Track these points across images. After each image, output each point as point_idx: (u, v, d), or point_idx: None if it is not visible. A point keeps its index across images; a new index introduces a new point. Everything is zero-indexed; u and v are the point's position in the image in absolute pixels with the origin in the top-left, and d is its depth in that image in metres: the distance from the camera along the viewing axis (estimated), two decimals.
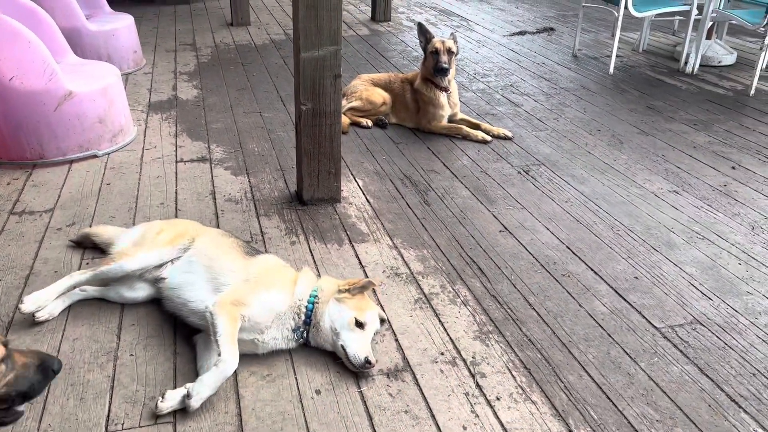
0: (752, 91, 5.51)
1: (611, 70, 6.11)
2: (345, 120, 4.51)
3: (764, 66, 5.96)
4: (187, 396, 2.09)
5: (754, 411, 2.18)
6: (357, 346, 2.30)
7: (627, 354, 2.44)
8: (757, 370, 2.37)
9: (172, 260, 2.60)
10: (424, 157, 4.22)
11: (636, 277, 2.92)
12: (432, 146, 4.39)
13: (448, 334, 2.53)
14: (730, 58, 6.38)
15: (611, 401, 2.21)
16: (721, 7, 6.10)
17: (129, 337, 2.47)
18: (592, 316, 2.65)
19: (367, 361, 2.26)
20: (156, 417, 2.09)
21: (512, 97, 5.43)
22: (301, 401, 2.19)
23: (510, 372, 2.34)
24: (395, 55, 6.71)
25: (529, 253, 3.11)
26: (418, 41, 4.61)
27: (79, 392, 2.19)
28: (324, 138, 3.44)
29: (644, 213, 3.51)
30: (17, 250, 3.02)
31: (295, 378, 2.29)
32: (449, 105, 4.58)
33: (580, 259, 3.06)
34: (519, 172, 3.99)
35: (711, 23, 6.20)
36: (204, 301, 2.36)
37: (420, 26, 4.53)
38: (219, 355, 2.14)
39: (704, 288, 2.85)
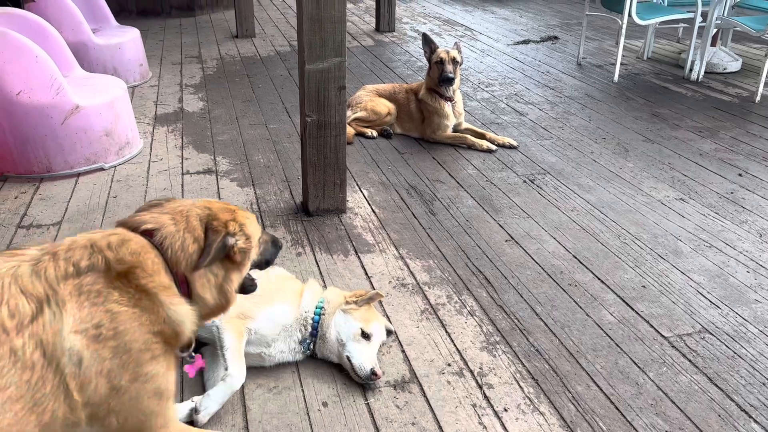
0: (758, 98, 5.50)
1: (616, 78, 6.12)
2: (350, 130, 4.52)
3: None
4: (195, 411, 2.09)
5: (764, 421, 2.16)
6: (363, 357, 2.29)
7: (635, 364, 2.42)
8: (767, 379, 2.35)
9: None
10: (429, 166, 4.22)
11: (643, 286, 2.91)
12: (437, 156, 4.40)
13: (455, 345, 2.53)
14: (735, 65, 6.38)
15: (620, 412, 2.19)
16: (725, 14, 6.10)
17: None
18: (599, 326, 2.64)
19: (373, 373, 2.25)
20: None
21: (517, 106, 5.44)
22: (308, 413, 2.18)
23: (517, 383, 2.33)
24: (400, 66, 6.74)
25: (536, 262, 3.10)
26: (422, 51, 4.63)
27: None
28: (329, 149, 3.45)
29: (651, 221, 3.50)
30: None
31: (302, 390, 2.29)
32: (454, 114, 4.59)
33: (586, 268, 3.05)
34: (524, 181, 3.99)
35: (715, 30, 6.20)
36: None
37: (425, 36, 4.55)
38: (226, 369, 2.14)
39: (712, 296, 2.84)
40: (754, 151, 4.46)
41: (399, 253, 3.17)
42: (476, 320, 2.67)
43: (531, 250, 3.20)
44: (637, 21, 5.92)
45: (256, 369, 2.33)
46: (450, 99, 4.54)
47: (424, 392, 2.28)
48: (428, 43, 4.52)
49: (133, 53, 5.92)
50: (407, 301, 2.80)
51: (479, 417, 2.17)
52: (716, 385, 2.32)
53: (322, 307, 2.42)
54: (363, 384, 2.30)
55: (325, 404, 2.22)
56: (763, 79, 5.46)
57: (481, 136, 4.58)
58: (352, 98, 4.82)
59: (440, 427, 2.13)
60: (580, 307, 2.76)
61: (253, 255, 1.80)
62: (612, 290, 2.88)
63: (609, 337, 2.57)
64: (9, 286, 1.28)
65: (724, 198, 3.78)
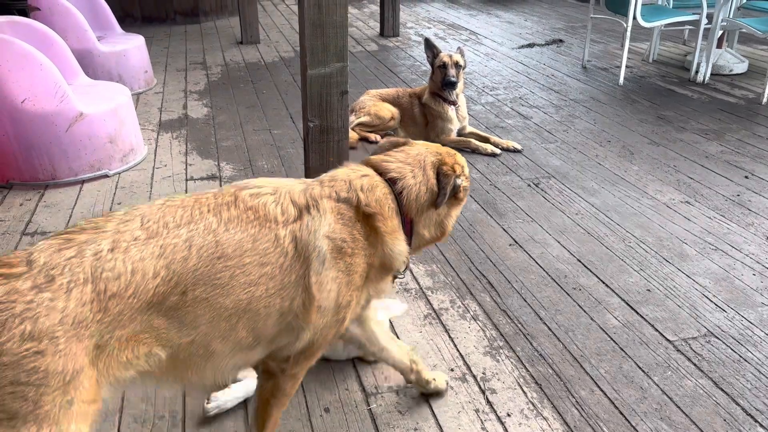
0: (764, 99, 5.46)
1: (621, 80, 6.10)
2: (353, 135, 4.52)
3: None
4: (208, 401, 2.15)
5: None
6: None
7: (640, 368, 2.40)
8: None
9: None
10: None
11: (648, 290, 2.89)
12: None
13: (458, 350, 2.51)
14: (741, 67, 6.34)
15: (624, 416, 2.17)
16: (730, 16, 6.07)
17: None
18: (604, 330, 2.62)
19: None
20: None
21: (521, 110, 5.43)
22: (309, 419, 2.17)
23: (521, 388, 2.32)
24: (404, 70, 6.74)
25: (540, 266, 3.08)
26: (426, 56, 4.63)
27: None
28: (332, 154, 3.44)
29: (656, 224, 3.48)
30: None
31: (304, 396, 2.28)
32: (458, 118, 4.59)
33: (591, 272, 3.03)
34: (529, 185, 3.97)
35: (721, 32, 6.17)
36: None
37: (427, 41, 4.55)
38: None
39: (718, 300, 2.81)
40: (760, 153, 4.43)
41: None
42: (479, 325, 2.65)
43: (535, 254, 3.18)
44: (642, 23, 5.90)
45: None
46: (453, 103, 4.54)
47: (426, 397, 2.27)
48: (431, 48, 4.52)
49: (137, 60, 5.95)
50: (410, 305, 2.78)
51: (482, 422, 2.16)
52: (722, 389, 2.29)
53: None
54: (365, 390, 2.29)
55: (327, 410, 2.22)
56: None
57: (485, 140, 4.57)
58: (355, 103, 4.82)
59: None
60: (585, 311, 2.74)
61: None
62: (617, 294, 2.86)
63: (613, 341, 2.55)
64: (284, 195, 1.62)
65: (731, 200, 3.75)
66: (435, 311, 2.75)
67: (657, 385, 2.31)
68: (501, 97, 5.80)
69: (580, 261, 3.13)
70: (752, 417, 2.17)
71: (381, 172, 1.81)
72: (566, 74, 6.52)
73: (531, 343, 2.55)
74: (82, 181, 4.01)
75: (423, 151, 1.89)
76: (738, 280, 2.95)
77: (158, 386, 1.61)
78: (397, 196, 1.78)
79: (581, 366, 2.42)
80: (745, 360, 2.44)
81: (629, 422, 2.15)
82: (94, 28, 5.90)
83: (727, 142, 4.64)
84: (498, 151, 4.45)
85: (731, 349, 2.50)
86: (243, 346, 1.57)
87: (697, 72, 6.12)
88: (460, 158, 1.97)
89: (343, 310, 1.67)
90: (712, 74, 6.16)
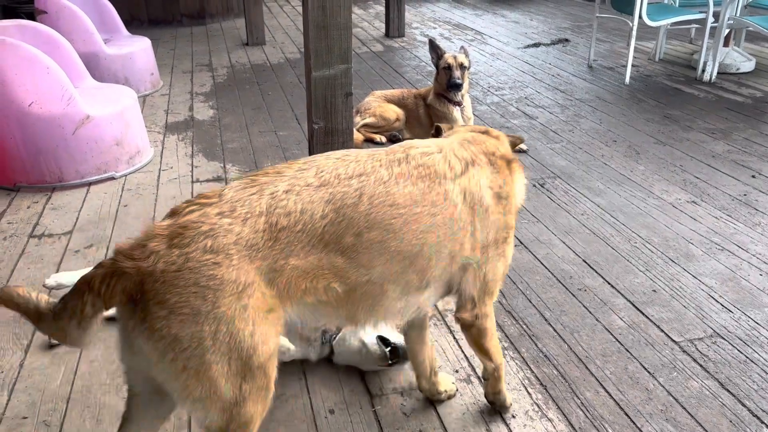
0: None
1: (627, 80, 6.07)
2: (359, 136, 4.53)
3: None
4: None
5: None
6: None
7: (645, 369, 2.40)
8: None
9: None
10: None
11: (654, 290, 2.88)
12: None
13: (462, 351, 2.51)
14: (748, 65, 6.31)
15: (629, 418, 2.17)
16: (737, 14, 6.04)
17: None
18: (609, 331, 2.61)
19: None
20: None
21: (527, 110, 5.42)
22: (314, 421, 2.18)
23: (526, 389, 2.31)
24: (409, 71, 6.74)
25: (545, 267, 3.08)
26: (430, 57, 4.62)
27: (95, 414, 2.21)
28: None
29: (662, 224, 3.47)
30: (36, 272, 3.07)
31: (309, 397, 2.28)
32: (463, 119, 4.58)
33: (596, 272, 3.03)
34: (534, 185, 3.97)
35: (728, 30, 6.14)
36: None
37: (431, 42, 4.55)
38: None
39: (724, 300, 2.80)
40: (767, 153, 4.41)
41: None
42: None
43: (540, 255, 3.18)
44: (648, 22, 5.88)
45: None
46: (459, 103, 4.53)
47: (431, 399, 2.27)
48: (435, 49, 4.52)
49: (144, 63, 5.98)
50: None
51: (487, 424, 2.16)
52: (728, 391, 2.28)
53: None
54: (370, 391, 2.29)
55: (332, 411, 2.22)
56: None
57: None
58: (360, 104, 4.82)
59: None
60: (590, 312, 2.74)
61: None
62: (622, 295, 2.85)
63: (619, 342, 2.55)
64: (449, 153, 1.80)
65: (737, 200, 3.73)
66: (440, 312, 2.75)
67: (662, 386, 2.31)
68: (506, 97, 5.80)
69: (585, 261, 3.12)
70: (758, 418, 2.16)
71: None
72: (572, 74, 6.51)
73: (536, 344, 2.54)
74: (89, 184, 4.03)
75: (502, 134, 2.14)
76: (745, 281, 2.94)
77: (332, 319, 1.76)
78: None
79: (586, 367, 2.41)
80: (752, 361, 2.43)
81: (634, 423, 2.14)
82: (101, 31, 5.93)
83: (734, 142, 4.62)
84: None
85: (737, 350, 2.49)
86: (412, 288, 1.74)
87: (703, 71, 6.09)
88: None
89: (502, 246, 1.89)
90: (718, 73, 6.13)
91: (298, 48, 7.83)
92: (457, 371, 2.40)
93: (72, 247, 3.29)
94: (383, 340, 2.30)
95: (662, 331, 2.61)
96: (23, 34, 4.18)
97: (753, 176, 4.04)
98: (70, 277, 2.64)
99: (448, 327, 2.65)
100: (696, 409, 2.20)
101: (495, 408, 2.20)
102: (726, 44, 6.33)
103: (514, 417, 2.19)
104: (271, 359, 1.56)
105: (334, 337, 2.40)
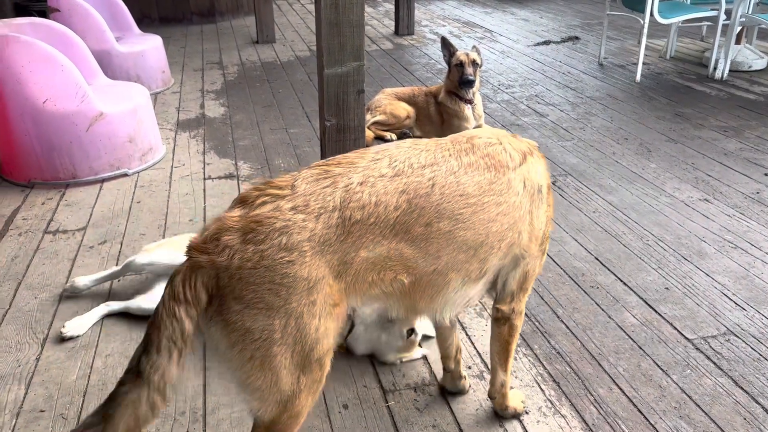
0: None
1: (638, 77, 6.05)
2: (369, 134, 4.53)
3: None
4: None
5: None
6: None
7: (658, 366, 2.40)
8: None
9: None
10: None
11: (667, 288, 2.88)
12: None
13: (475, 348, 2.52)
14: (760, 63, 6.27)
15: (643, 415, 2.17)
16: (749, 12, 6.01)
17: None
18: (622, 328, 2.61)
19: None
20: (186, 431, 2.12)
21: (537, 108, 5.41)
22: (328, 416, 2.19)
23: (539, 385, 2.32)
24: (419, 69, 6.74)
25: (557, 264, 3.08)
26: (441, 54, 4.63)
27: None
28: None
29: (674, 222, 3.46)
30: (51, 268, 3.10)
31: (322, 393, 2.29)
32: (474, 117, 4.58)
33: (609, 270, 3.03)
34: None
35: (740, 28, 6.10)
36: None
37: (443, 40, 4.55)
38: None
39: (737, 298, 2.79)
40: None
41: None
42: None
43: (552, 252, 3.18)
44: (659, 20, 5.85)
45: None
46: (470, 101, 4.53)
47: (444, 394, 2.28)
48: (447, 47, 4.52)
49: (155, 60, 6.01)
50: None
51: (500, 420, 2.17)
52: (741, 388, 2.28)
53: None
54: (383, 386, 2.30)
55: (345, 406, 2.23)
56: None
57: None
58: (371, 102, 4.83)
59: (461, 430, 2.13)
60: (602, 309, 2.74)
61: None
62: (635, 292, 2.85)
63: (632, 339, 2.55)
64: (507, 144, 1.82)
65: (750, 198, 3.72)
66: None
67: (676, 384, 2.31)
68: (517, 94, 5.79)
69: (597, 259, 3.12)
70: None
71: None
72: (582, 71, 6.49)
73: (549, 341, 2.55)
74: (102, 180, 4.06)
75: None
76: (758, 279, 2.93)
77: (393, 310, 1.76)
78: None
79: (599, 364, 2.41)
80: (765, 358, 2.42)
81: (648, 420, 2.14)
82: (113, 29, 5.97)
83: (746, 139, 4.60)
84: None
85: (751, 348, 2.48)
86: (472, 278, 1.77)
87: (715, 68, 6.06)
88: None
89: (546, 241, 1.92)
90: (730, 71, 6.10)
91: (308, 46, 7.85)
92: (469, 367, 2.41)
93: (86, 243, 3.32)
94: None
95: (675, 328, 2.61)
96: (37, 32, 4.21)
97: (766, 174, 4.02)
98: (87, 320, 2.67)
99: (461, 323, 2.65)
100: (710, 407, 2.20)
101: (507, 417, 2.19)
102: (738, 42, 6.29)
103: (527, 413, 2.19)
104: (329, 353, 1.58)
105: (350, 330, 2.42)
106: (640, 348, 2.50)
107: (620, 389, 2.29)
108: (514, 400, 2.18)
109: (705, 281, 2.92)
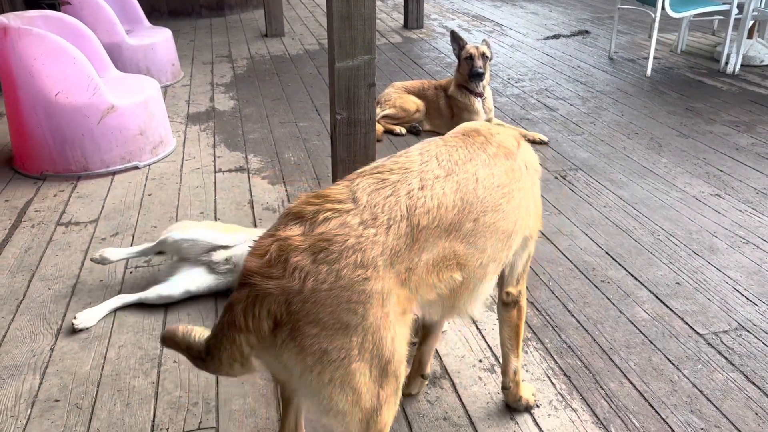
0: None
1: (649, 72, 6.02)
2: (378, 128, 4.54)
3: None
4: None
5: None
6: None
7: (669, 361, 2.39)
8: None
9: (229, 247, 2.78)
10: None
11: (678, 283, 2.87)
12: None
13: (485, 341, 2.53)
14: None
15: (654, 409, 2.17)
16: (762, 6, 5.96)
17: None
18: (632, 323, 2.61)
19: None
20: (199, 423, 2.14)
21: (547, 102, 5.39)
22: None
23: (549, 379, 2.32)
24: (428, 62, 6.73)
25: (568, 259, 3.08)
26: (450, 48, 4.62)
27: (125, 398, 2.25)
28: (359, 146, 3.46)
29: (685, 217, 3.45)
30: (64, 259, 3.12)
31: None
32: (484, 110, 4.58)
33: (619, 264, 3.02)
34: (556, 177, 3.96)
35: (752, 22, 6.06)
36: None
37: (453, 33, 4.54)
38: None
39: (749, 293, 2.79)
40: None
41: None
42: None
43: (563, 247, 3.18)
44: (671, 13, 5.82)
45: None
46: (480, 95, 4.53)
47: (455, 388, 2.29)
48: (456, 40, 4.51)
49: (165, 53, 6.02)
50: None
51: (511, 413, 2.17)
52: (753, 383, 2.28)
53: None
54: None
55: None
56: None
57: None
58: (380, 95, 4.83)
59: (472, 423, 2.13)
60: (613, 304, 2.73)
61: None
62: (645, 287, 2.85)
63: (642, 334, 2.55)
64: (504, 132, 1.87)
65: (762, 194, 3.70)
66: None
67: (687, 378, 2.31)
68: (527, 88, 5.77)
69: (608, 254, 3.11)
70: None
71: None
72: (593, 65, 6.46)
73: (559, 335, 2.55)
74: (113, 173, 4.08)
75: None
76: None
77: (435, 313, 1.75)
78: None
79: (610, 358, 2.42)
80: None
81: (659, 415, 2.15)
82: (123, 22, 5.98)
83: (758, 135, 4.57)
84: None
85: (763, 343, 2.48)
86: (498, 266, 1.79)
87: (727, 63, 6.02)
88: None
89: (540, 221, 1.96)
90: (742, 65, 6.06)
91: (317, 39, 7.84)
92: (480, 361, 2.42)
93: (98, 235, 3.34)
94: None
95: (686, 323, 2.60)
96: (49, 24, 4.22)
97: None
98: (98, 312, 2.68)
99: (471, 318, 2.65)
100: (721, 402, 2.20)
101: (520, 410, 2.20)
102: (750, 36, 6.25)
103: (538, 406, 2.20)
104: (403, 362, 1.55)
105: None
106: (651, 343, 2.50)
107: (631, 383, 2.29)
108: (526, 391, 2.19)
109: (716, 276, 2.91)
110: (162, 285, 2.75)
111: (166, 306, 2.73)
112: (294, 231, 1.43)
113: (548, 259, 3.07)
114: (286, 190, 3.84)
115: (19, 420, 2.17)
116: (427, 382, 2.28)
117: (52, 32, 3.89)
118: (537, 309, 2.71)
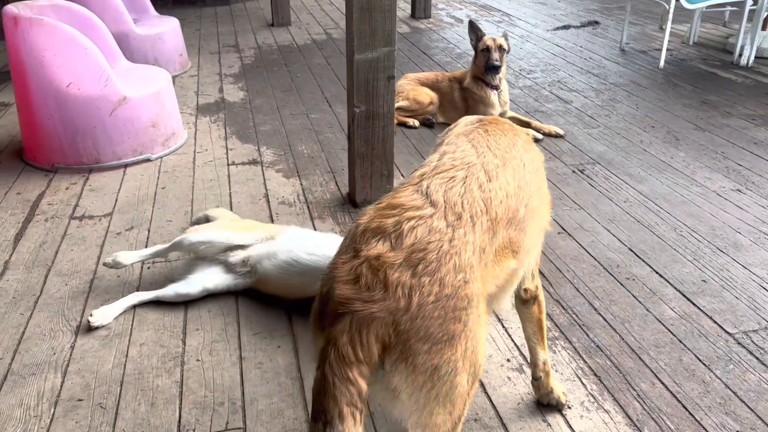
0: None
1: (662, 63, 5.96)
2: None
3: None
4: None
5: None
6: None
7: (700, 361, 2.36)
8: None
9: (246, 247, 2.73)
10: None
11: (704, 281, 2.83)
12: None
13: (512, 340, 2.49)
14: None
15: (687, 410, 2.14)
16: None
17: (194, 341, 2.48)
18: (660, 321, 2.58)
19: None
20: (226, 423, 2.10)
21: (560, 94, 5.34)
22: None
23: (580, 380, 2.29)
24: (438, 53, 6.66)
25: (591, 255, 3.04)
26: (460, 38, 4.57)
27: (149, 398, 2.22)
28: (377, 140, 3.42)
29: (707, 213, 3.41)
30: (80, 254, 3.07)
31: None
32: (499, 103, 4.52)
33: (643, 261, 2.98)
34: (573, 171, 3.91)
35: (766, 14, 5.99)
36: None
37: (471, 24, 4.48)
38: None
39: None
40: None
41: None
42: None
43: (585, 243, 3.13)
44: (685, 5, 5.76)
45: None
46: (496, 87, 4.47)
47: (484, 388, 2.25)
48: (474, 31, 4.44)
49: (173, 43, 5.95)
50: None
51: (542, 414, 2.14)
52: None
53: None
54: None
55: None
56: None
57: (527, 125, 4.50)
58: None
59: (503, 424, 2.10)
60: (640, 302, 2.70)
61: None
62: (671, 284, 2.81)
63: (671, 333, 2.51)
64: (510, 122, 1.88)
65: None
66: None
67: (719, 379, 2.27)
68: (539, 80, 5.71)
69: (631, 250, 3.07)
70: None
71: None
72: (604, 57, 6.40)
73: (587, 334, 2.51)
74: (125, 165, 4.02)
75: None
76: None
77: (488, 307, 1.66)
78: None
79: (640, 358, 2.38)
80: None
81: (693, 417, 2.11)
82: (129, 11, 5.90)
83: None
84: (540, 136, 4.38)
85: None
86: (534, 250, 1.78)
87: (740, 55, 5.96)
88: None
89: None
90: (756, 57, 6.00)
91: (324, 29, 7.76)
92: (508, 360, 2.38)
93: (113, 229, 3.29)
94: None
95: (715, 322, 2.57)
96: (59, 14, 4.15)
97: None
98: (114, 310, 2.63)
99: (497, 315, 2.62)
100: (755, 403, 2.17)
101: (551, 407, 2.16)
102: (764, 28, 6.18)
103: (569, 408, 2.16)
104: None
105: None
106: (681, 342, 2.46)
107: (663, 384, 2.26)
108: (557, 385, 2.16)
109: (743, 274, 2.88)
110: (179, 283, 2.70)
111: (186, 303, 2.69)
112: (381, 247, 1.35)
113: (571, 255, 3.03)
114: (301, 184, 3.79)
115: (42, 420, 2.13)
116: None
117: (62, 22, 3.83)
118: (563, 307, 2.67)
